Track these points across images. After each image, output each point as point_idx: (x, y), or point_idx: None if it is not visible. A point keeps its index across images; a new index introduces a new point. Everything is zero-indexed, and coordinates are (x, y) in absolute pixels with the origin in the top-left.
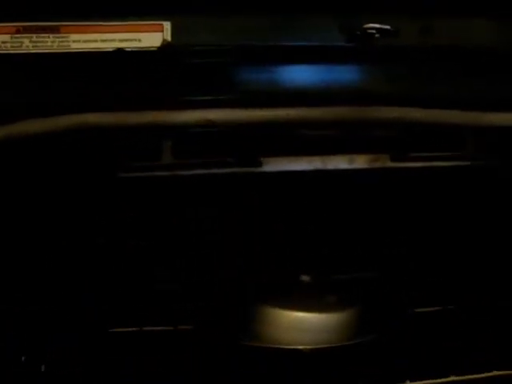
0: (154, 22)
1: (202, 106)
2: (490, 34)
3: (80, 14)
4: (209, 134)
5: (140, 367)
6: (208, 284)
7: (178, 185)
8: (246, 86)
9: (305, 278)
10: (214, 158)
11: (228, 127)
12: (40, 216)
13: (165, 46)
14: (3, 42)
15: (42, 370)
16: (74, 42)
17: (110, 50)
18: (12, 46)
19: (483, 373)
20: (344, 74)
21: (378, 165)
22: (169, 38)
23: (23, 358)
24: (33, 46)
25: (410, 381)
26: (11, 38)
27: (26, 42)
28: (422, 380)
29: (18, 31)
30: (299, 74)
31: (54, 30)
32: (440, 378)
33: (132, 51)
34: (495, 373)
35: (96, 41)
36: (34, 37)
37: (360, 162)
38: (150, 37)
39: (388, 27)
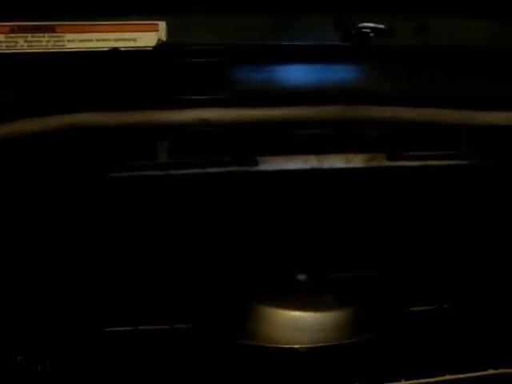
0: (149, 22)
1: (197, 106)
2: (485, 33)
3: (75, 13)
4: (204, 133)
5: (136, 366)
6: (204, 283)
7: (174, 184)
8: (240, 86)
9: (301, 277)
10: (209, 157)
11: (223, 126)
12: (36, 216)
13: (160, 45)
14: None
15: (38, 369)
16: (69, 41)
17: (105, 49)
18: (7, 46)
19: (479, 371)
20: (339, 73)
21: (374, 164)
22: (164, 38)
23: (19, 358)
24: (28, 46)
25: (405, 379)
26: (6, 37)
27: (21, 41)
28: (417, 379)
29: (12, 31)
30: (294, 74)
31: (49, 30)
32: (435, 376)
33: (127, 51)
34: (491, 371)
35: (91, 40)
36: (29, 36)
37: (356, 161)
38: (145, 36)
39: (383, 26)
